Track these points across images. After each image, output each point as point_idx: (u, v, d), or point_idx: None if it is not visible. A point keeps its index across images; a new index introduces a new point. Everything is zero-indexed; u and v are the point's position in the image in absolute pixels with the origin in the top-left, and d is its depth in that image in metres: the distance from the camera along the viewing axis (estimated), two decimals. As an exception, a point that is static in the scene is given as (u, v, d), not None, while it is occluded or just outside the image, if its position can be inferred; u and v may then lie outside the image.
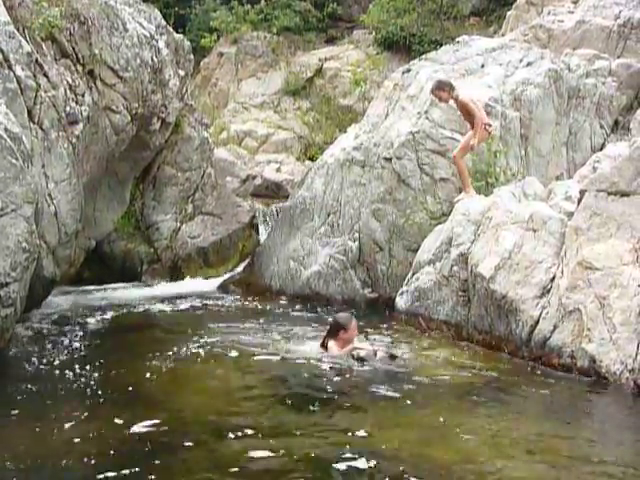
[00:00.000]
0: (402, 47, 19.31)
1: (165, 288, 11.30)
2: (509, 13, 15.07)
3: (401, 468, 4.24)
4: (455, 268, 7.94)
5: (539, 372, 6.57)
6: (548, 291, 6.93)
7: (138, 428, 4.86)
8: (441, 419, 5.22)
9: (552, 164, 10.09)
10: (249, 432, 4.83)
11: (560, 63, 10.60)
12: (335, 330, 6.99)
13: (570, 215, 7.21)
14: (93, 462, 4.32)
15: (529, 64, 10.52)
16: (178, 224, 12.31)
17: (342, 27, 22.15)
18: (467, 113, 8.60)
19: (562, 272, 6.86)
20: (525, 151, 9.93)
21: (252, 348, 7.22)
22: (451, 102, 8.68)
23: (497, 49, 10.92)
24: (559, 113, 10.27)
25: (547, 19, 12.57)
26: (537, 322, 6.86)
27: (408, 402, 5.63)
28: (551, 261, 7.06)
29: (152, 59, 10.61)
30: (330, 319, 7.42)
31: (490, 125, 8.64)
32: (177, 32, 12.97)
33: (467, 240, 7.89)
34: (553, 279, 6.96)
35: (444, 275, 8.05)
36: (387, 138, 9.87)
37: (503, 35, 13.90)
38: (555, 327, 6.68)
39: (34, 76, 8.07)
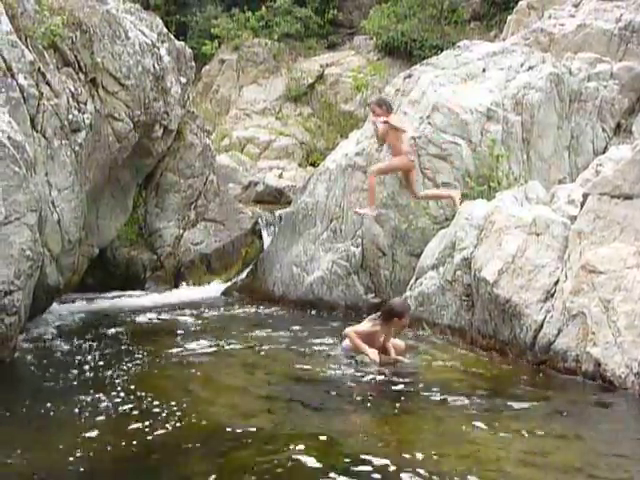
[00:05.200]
0: (403, 52, 19.36)
1: (168, 295, 11.31)
2: (510, 17, 15.07)
3: (401, 475, 4.24)
4: (458, 273, 7.93)
5: (544, 376, 6.56)
6: (552, 295, 6.92)
7: (148, 434, 4.88)
8: (445, 424, 5.22)
9: (554, 168, 10.08)
10: (255, 435, 4.84)
11: (561, 67, 10.59)
12: (390, 317, 6.88)
13: (573, 219, 7.20)
14: (101, 462, 4.34)
15: (530, 68, 10.52)
16: (181, 231, 12.33)
17: (343, 33, 22.21)
18: (395, 138, 8.76)
19: (566, 276, 6.86)
20: (527, 155, 9.92)
21: (261, 352, 7.25)
22: (379, 123, 8.75)
23: (498, 53, 10.91)
24: (561, 117, 10.27)
25: (548, 23, 12.57)
26: (541, 326, 6.85)
27: (411, 407, 5.62)
28: (554, 265, 7.06)
29: (154, 67, 10.64)
30: (385, 304, 7.30)
31: (413, 160, 8.97)
32: (178, 39, 13.00)
33: (470, 244, 7.89)
34: (557, 283, 6.95)
35: (447, 280, 8.04)
36: (389, 143, 9.86)
37: (504, 39, 13.90)
38: (559, 331, 6.66)
39: (37, 85, 8.09)
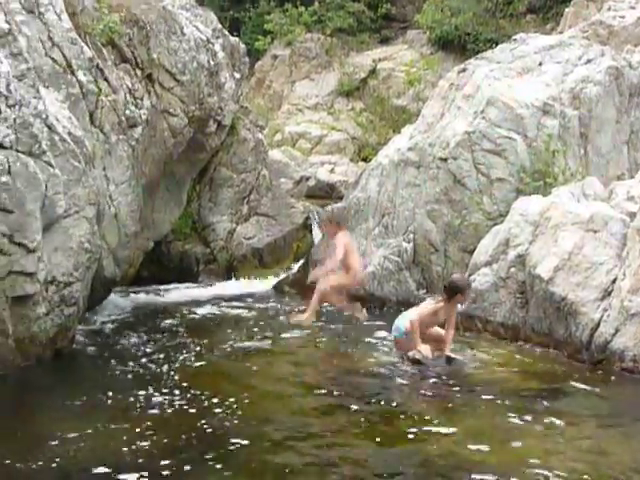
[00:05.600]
0: (457, 46, 19.14)
1: (221, 288, 11.42)
2: (567, 10, 14.78)
3: (457, 473, 4.22)
4: (512, 269, 7.83)
5: (600, 376, 6.44)
6: (609, 293, 6.79)
7: (204, 429, 4.94)
8: (499, 422, 5.17)
9: (613, 164, 9.86)
10: (307, 430, 4.87)
11: (621, 60, 10.34)
12: (453, 293, 6.94)
13: (632, 216, 7.05)
14: (159, 454, 4.41)
15: (589, 61, 10.30)
16: (234, 225, 12.44)
17: (396, 27, 22.07)
18: (346, 255, 8.72)
19: (624, 274, 6.72)
20: (584, 150, 9.72)
21: (313, 346, 7.30)
22: (338, 249, 8.72)
23: (555, 46, 10.70)
24: (620, 111, 10.03)
25: (607, 15, 12.29)
26: (598, 325, 6.73)
27: (464, 406, 5.58)
28: (612, 263, 6.92)
29: (208, 62, 10.75)
30: (446, 281, 7.38)
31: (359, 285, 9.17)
32: (232, 35, 13.10)
33: (525, 241, 7.78)
34: (614, 281, 6.81)
35: (501, 277, 7.95)
36: (442, 138, 9.78)
37: (561, 32, 13.64)
38: (617, 330, 6.54)
39: (95, 81, 8.25)
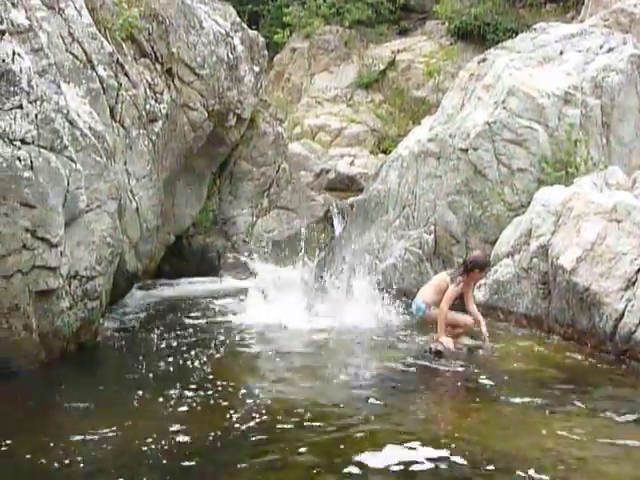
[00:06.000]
0: (476, 37, 18.99)
1: (242, 281, 11.45)
2: (588, -2, 14.60)
3: (485, 465, 4.20)
4: (535, 260, 7.78)
5: (625, 367, 6.39)
6: (633, 283, 6.72)
7: (231, 424, 4.92)
8: (522, 414, 5.15)
9: (635, 153, 9.74)
10: (332, 422, 4.87)
11: (643, 48, 10.22)
12: (473, 268, 7.01)
13: (656, 205, 6.97)
14: (182, 453, 4.42)
15: (610, 50, 10.19)
16: (254, 218, 12.48)
17: (414, 18, 21.94)
18: None
19: (648, 264, 6.65)
20: (607, 140, 9.62)
21: (335, 340, 7.32)
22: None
23: (576, 35, 10.60)
24: (643, 100, 9.92)
25: (629, 3, 12.12)
26: (622, 315, 6.66)
27: (488, 397, 5.56)
28: (636, 253, 6.85)
29: (228, 56, 10.77)
30: (465, 257, 7.51)
31: None
32: (251, 28, 13.10)
33: (547, 231, 7.72)
34: (638, 271, 6.74)
35: (523, 267, 7.90)
36: (463, 129, 9.73)
37: (582, 21, 13.48)
38: (641, 320, 6.47)
39: (115, 76, 8.30)
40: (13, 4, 6.23)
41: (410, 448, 4.40)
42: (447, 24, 19.79)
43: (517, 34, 12.33)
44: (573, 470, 4.17)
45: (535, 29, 11.14)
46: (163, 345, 7.05)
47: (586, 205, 7.46)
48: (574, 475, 4.09)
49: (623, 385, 5.95)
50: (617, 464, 4.33)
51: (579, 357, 6.74)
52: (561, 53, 10.28)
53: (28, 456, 4.33)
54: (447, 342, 6.79)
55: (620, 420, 5.04)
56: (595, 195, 7.62)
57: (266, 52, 13.14)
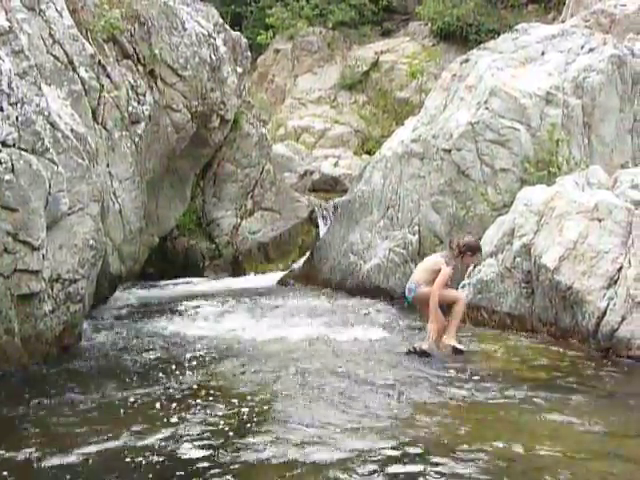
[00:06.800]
0: (459, 38, 19.10)
1: (226, 283, 11.45)
2: (569, -1, 14.72)
3: (470, 465, 4.21)
4: (518, 260, 7.82)
5: (608, 364, 6.43)
6: (615, 282, 6.77)
7: (218, 421, 4.91)
8: (505, 412, 5.16)
9: (617, 152, 9.82)
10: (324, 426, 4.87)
11: (623, 48, 10.28)
12: (465, 250, 6.93)
13: (637, 204, 7.03)
14: (172, 459, 4.40)
15: (591, 50, 10.26)
16: (238, 220, 12.47)
17: (397, 20, 22.02)
18: None
19: (629, 262, 6.70)
20: (588, 139, 9.69)
21: (321, 339, 7.32)
22: None
23: (557, 36, 10.66)
24: (623, 100, 9.98)
25: (609, 3, 12.23)
26: (604, 313, 6.71)
27: (472, 397, 5.58)
28: (618, 251, 6.90)
29: (210, 57, 10.75)
30: (458, 239, 7.25)
31: None
32: (234, 30, 13.09)
33: (530, 231, 7.76)
34: (620, 270, 6.79)
35: (506, 267, 7.93)
36: (446, 129, 9.76)
37: (563, 21, 13.58)
38: (623, 318, 6.52)
39: (97, 77, 8.27)
40: (-7, 6, 6.19)
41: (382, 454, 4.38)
42: (430, 25, 19.90)
43: (499, 35, 12.39)
44: (559, 467, 4.19)
45: (517, 30, 11.19)
46: (147, 347, 7.02)
47: (568, 204, 7.51)
48: (561, 472, 4.10)
49: (606, 382, 5.99)
50: (605, 461, 4.35)
51: (563, 355, 6.77)
52: (542, 53, 10.34)
53: (19, 459, 4.27)
54: (432, 343, 6.77)
55: (605, 417, 5.07)
56: (577, 194, 7.67)
57: (249, 53, 13.14)
